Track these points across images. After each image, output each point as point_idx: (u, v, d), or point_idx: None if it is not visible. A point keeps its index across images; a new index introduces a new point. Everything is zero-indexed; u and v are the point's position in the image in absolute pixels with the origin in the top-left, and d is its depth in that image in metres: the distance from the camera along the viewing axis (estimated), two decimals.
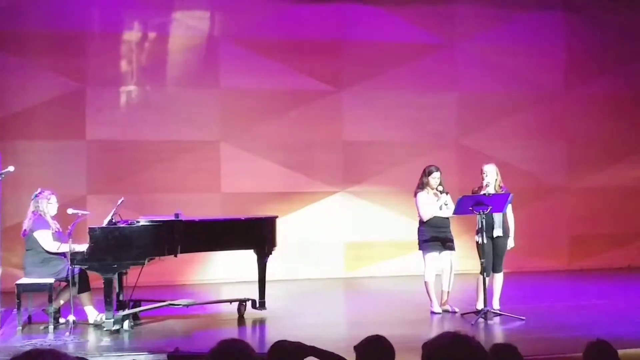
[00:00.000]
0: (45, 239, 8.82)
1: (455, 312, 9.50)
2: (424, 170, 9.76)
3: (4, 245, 9.03)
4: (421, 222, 9.71)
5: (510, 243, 9.54)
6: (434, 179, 9.64)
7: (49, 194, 9.06)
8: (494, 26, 13.87)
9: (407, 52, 13.54)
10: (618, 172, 14.30)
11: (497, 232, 9.40)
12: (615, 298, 10.96)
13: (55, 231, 8.94)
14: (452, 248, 9.65)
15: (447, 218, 9.63)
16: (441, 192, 9.65)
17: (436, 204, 9.60)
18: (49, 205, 9.01)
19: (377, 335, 4.36)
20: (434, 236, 9.58)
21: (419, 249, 9.71)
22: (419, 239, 9.71)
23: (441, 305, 9.61)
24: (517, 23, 13.97)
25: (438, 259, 9.61)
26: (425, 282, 9.64)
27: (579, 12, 14.20)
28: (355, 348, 4.31)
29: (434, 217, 9.57)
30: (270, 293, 9.86)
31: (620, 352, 4.28)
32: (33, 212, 8.95)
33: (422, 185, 9.71)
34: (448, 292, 9.66)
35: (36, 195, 9.01)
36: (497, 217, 9.37)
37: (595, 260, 13.90)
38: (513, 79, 13.91)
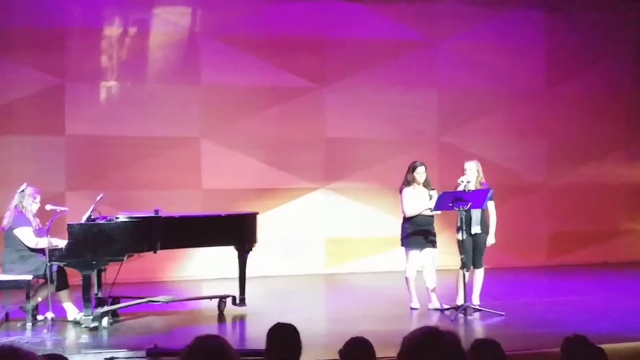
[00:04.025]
0: (27, 236, 8.76)
1: (444, 310, 9.45)
2: (409, 166, 9.77)
3: None
4: (405, 219, 9.71)
5: (491, 239, 9.55)
6: (419, 174, 9.64)
7: (36, 193, 9.00)
8: (475, 24, 13.91)
9: (388, 49, 13.55)
10: (596, 170, 14.40)
11: (475, 229, 9.43)
12: (592, 294, 11.03)
13: (36, 228, 8.88)
14: (434, 245, 9.66)
15: (432, 216, 9.64)
16: (429, 189, 9.66)
17: (423, 200, 9.58)
18: (33, 204, 8.96)
19: (359, 337, 4.40)
20: (416, 233, 9.59)
21: (401, 245, 9.72)
22: (401, 235, 9.72)
23: (429, 304, 9.60)
24: (498, 21, 14.02)
25: (419, 256, 9.62)
26: (406, 277, 9.66)
27: (559, 10, 14.27)
28: (340, 352, 4.36)
29: (419, 214, 9.57)
30: (250, 289, 9.85)
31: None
32: (15, 206, 8.89)
33: (407, 181, 9.72)
34: (434, 289, 9.64)
35: (22, 190, 8.95)
36: (475, 213, 9.39)
37: (573, 256, 14.01)
38: (493, 77, 13.97)
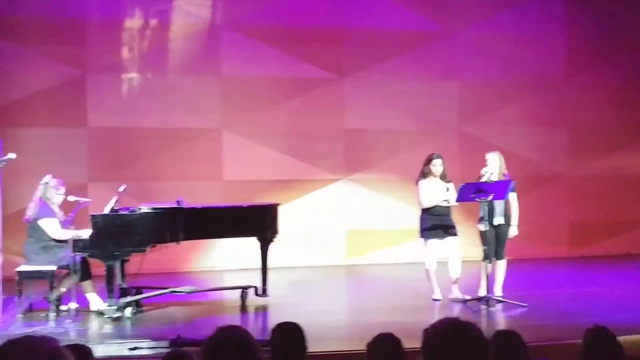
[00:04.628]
0: (52, 227, 8.83)
1: (465, 301, 9.45)
2: (426, 158, 9.77)
3: (4, 232, 9.01)
4: (422, 210, 9.72)
5: (513, 231, 9.54)
6: (435, 166, 9.65)
7: (59, 184, 9.06)
8: (495, 14, 13.83)
9: (408, 39, 13.51)
10: (618, 161, 14.29)
11: (498, 220, 9.41)
12: (615, 285, 10.97)
13: (60, 220, 8.94)
14: (454, 234, 9.66)
15: (449, 207, 9.64)
16: (445, 181, 9.66)
17: (440, 192, 9.58)
18: (57, 196, 9.02)
19: (387, 333, 4.42)
20: (434, 224, 9.59)
21: (420, 236, 9.73)
22: (420, 226, 9.73)
23: (450, 294, 9.61)
24: (518, 11, 13.92)
25: (440, 246, 9.62)
26: (426, 269, 9.67)
27: (578, 0, 14.16)
28: (367, 346, 4.38)
29: (435, 206, 9.57)
30: (272, 280, 9.89)
31: (619, 338, 4.30)
32: (40, 198, 8.95)
33: (423, 173, 9.72)
34: (457, 278, 9.63)
35: (46, 182, 9.01)
36: (499, 204, 9.37)
37: (595, 247, 13.92)
38: (514, 67, 13.89)
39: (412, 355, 3.57)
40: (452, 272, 9.62)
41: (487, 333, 3.41)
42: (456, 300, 9.53)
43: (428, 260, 9.65)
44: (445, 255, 9.66)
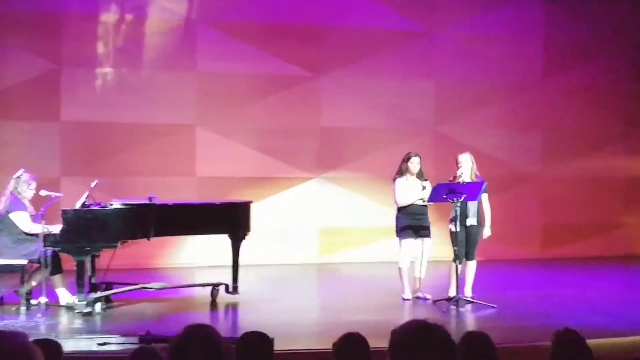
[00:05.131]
0: (23, 220, 8.81)
1: (427, 299, 9.56)
2: (404, 156, 9.80)
3: None
4: (398, 209, 9.75)
5: (487, 232, 9.57)
6: (413, 164, 9.67)
7: (31, 179, 9.03)
8: (473, 14, 13.87)
9: (386, 38, 13.52)
10: (593, 162, 14.35)
11: (471, 220, 9.44)
12: (586, 287, 11.05)
13: (31, 214, 8.90)
14: (426, 235, 9.70)
15: (425, 206, 9.67)
16: (422, 180, 9.69)
17: (416, 191, 9.61)
18: (28, 190, 8.99)
19: (354, 333, 4.41)
20: (409, 224, 9.62)
21: (396, 235, 9.76)
22: (396, 225, 9.76)
23: (414, 292, 9.67)
24: (496, 11, 13.98)
25: (414, 246, 9.65)
26: (399, 268, 9.69)
27: (558, 1, 14.23)
28: (334, 346, 4.37)
29: (412, 204, 9.60)
30: (243, 278, 9.85)
31: (589, 341, 4.32)
32: (11, 192, 8.92)
33: (400, 172, 9.75)
34: (420, 278, 9.72)
35: (18, 176, 8.98)
36: (472, 205, 9.40)
37: (568, 249, 13.97)
38: (491, 68, 13.94)
39: (380, 355, 3.57)
40: (417, 272, 9.69)
41: (456, 334, 3.42)
42: (423, 299, 9.58)
43: (402, 259, 9.68)
44: (415, 255, 9.70)
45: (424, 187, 9.59)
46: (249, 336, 4.51)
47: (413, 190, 9.64)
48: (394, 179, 9.78)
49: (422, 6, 13.72)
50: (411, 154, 9.75)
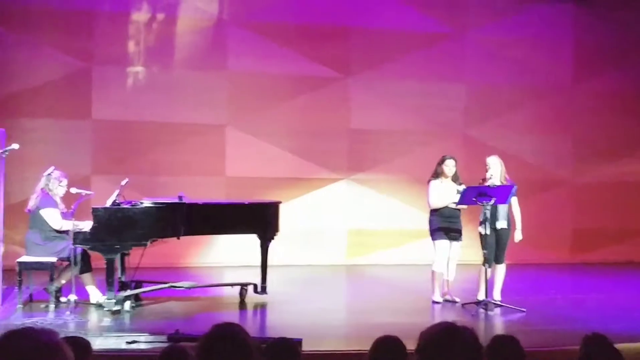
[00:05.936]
0: (53, 217, 8.84)
1: (456, 302, 9.51)
2: (440, 158, 9.76)
3: (7, 222, 9.03)
4: (431, 211, 9.71)
5: (518, 236, 9.52)
6: (447, 166, 9.63)
7: (62, 176, 9.08)
8: (503, 17, 13.82)
9: (415, 40, 13.50)
10: (622, 168, 14.26)
11: (502, 224, 9.39)
12: (615, 292, 10.96)
13: (62, 212, 8.96)
14: (457, 238, 9.64)
15: (458, 209, 9.63)
16: (457, 183, 9.64)
17: (450, 194, 9.56)
18: (59, 187, 9.04)
19: (393, 336, 4.36)
20: (442, 226, 9.58)
21: (431, 238, 9.71)
22: (430, 228, 9.73)
23: (442, 295, 9.62)
24: (527, 15, 13.92)
25: (448, 248, 9.59)
26: (432, 270, 9.61)
27: (589, 6, 14.13)
28: (373, 345, 4.31)
29: (445, 207, 9.56)
30: (272, 278, 9.87)
31: (617, 346, 4.29)
32: (42, 189, 8.97)
33: (436, 173, 9.72)
34: (449, 281, 9.67)
35: (49, 173, 9.03)
36: (502, 208, 9.35)
37: (597, 254, 13.88)
38: (520, 71, 13.87)
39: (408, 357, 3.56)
40: (446, 274, 9.63)
41: (484, 337, 3.41)
42: (452, 302, 9.54)
43: (436, 262, 9.59)
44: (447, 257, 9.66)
45: (458, 192, 9.51)
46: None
47: (447, 192, 9.59)
48: (429, 181, 9.74)
49: (452, 8, 13.69)
50: (446, 157, 9.71)
